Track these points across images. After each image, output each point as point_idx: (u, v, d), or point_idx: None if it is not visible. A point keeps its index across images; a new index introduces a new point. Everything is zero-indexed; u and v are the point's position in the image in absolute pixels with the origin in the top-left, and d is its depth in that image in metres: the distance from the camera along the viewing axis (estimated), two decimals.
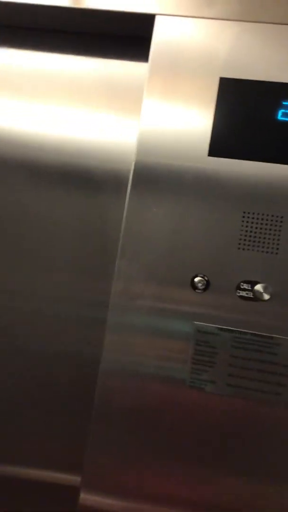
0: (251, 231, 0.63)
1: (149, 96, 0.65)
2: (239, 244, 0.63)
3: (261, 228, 0.63)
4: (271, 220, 0.62)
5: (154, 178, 0.65)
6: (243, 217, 0.63)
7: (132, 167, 0.65)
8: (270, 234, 0.62)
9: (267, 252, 0.62)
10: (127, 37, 0.72)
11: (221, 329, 0.63)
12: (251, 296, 0.62)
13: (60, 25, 0.73)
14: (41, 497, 0.75)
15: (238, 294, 0.63)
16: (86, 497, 0.66)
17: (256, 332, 0.62)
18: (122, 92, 0.73)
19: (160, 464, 0.65)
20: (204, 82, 0.63)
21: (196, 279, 0.63)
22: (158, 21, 0.65)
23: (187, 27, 0.64)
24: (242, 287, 0.63)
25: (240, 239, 0.63)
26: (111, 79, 0.73)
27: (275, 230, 0.62)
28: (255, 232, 0.63)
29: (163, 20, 0.65)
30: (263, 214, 0.62)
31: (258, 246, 0.62)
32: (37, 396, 0.75)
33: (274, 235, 0.62)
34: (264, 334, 0.62)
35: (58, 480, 0.74)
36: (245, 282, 0.63)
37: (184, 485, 0.64)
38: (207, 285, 0.63)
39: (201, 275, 0.64)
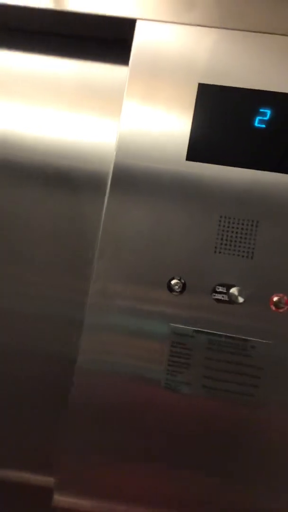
0: (227, 235, 0.64)
1: (129, 99, 0.66)
2: (215, 247, 0.64)
3: (237, 233, 0.63)
4: (247, 225, 0.63)
5: (132, 180, 0.65)
6: (220, 221, 0.64)
7: (111, 169, 0.66)
8: (245, 238, 0.63)
9: (242, 256, 0.63)
10: (109, 41, 0.72)
11: (197, 331, 0.64)
12: (226, 299, 0.63)
13: (42, 27, 0.72)
14: (14, 498, 0.74)
15: (213, 297, 0.63)
16: (60, 499, 0.66)
17: (231, 335, 0.63)
18: (102, 94, 0.73)
19: (135, 464, 0.65)
20: (183, 87, 0.64)
21: (173, 282, 0.64)
22: (138, 26, 0.65)
23: (167, 33, 0.65)
24: (217, 290, 0.63)
25: (217, 243, 0.64)
26: (92, 81, 0.73)
27: (250, 235, 0.63)
28: (231, 236, 0.63)
29: (143, 24, 0.65)
30: (239, 219, 0.63)
31: (234, 250, 0.63)
32: (12, 395, 0.74)
33: (250, 239, 0.63)
34: (239, 336, 0.63)
35: (31, 481, 0.74)
36: (220, 285, 0.63)
37: (159, 485, 0.64)
38: (184, 287, 0.64)
39: (178, 278, 0.64)
